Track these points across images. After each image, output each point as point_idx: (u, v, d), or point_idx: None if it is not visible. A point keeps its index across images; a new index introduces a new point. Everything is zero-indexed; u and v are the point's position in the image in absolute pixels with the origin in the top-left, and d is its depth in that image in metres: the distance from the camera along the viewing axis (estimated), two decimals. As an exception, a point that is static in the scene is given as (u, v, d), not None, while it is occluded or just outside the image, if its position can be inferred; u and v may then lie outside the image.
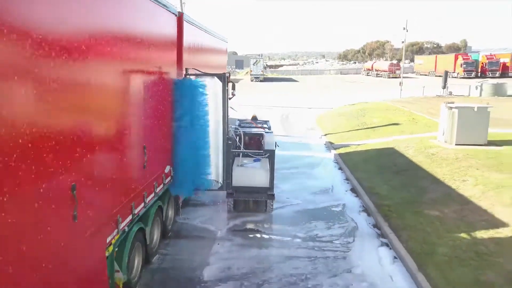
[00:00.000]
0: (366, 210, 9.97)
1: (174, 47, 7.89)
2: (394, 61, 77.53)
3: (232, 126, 9.58)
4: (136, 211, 5.92)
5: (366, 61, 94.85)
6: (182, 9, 28.04)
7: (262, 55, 77.89)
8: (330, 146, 17.13)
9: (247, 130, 10.49)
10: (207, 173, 8.25)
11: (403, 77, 37.60)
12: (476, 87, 33.73)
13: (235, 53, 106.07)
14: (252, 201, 9.91)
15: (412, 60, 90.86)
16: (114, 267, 5.40)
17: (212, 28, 12.14)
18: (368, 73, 76.56)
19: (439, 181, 11.05)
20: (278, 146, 9.79)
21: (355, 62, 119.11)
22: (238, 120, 11.74)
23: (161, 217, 7.59)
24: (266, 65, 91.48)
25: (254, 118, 12.34)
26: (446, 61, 64.28)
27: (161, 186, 7.22)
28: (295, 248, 7.88)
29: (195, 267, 7.05)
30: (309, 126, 22.50)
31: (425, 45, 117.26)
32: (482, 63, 60.64)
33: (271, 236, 8.46)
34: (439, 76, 48.44)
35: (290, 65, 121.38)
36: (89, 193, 4.45)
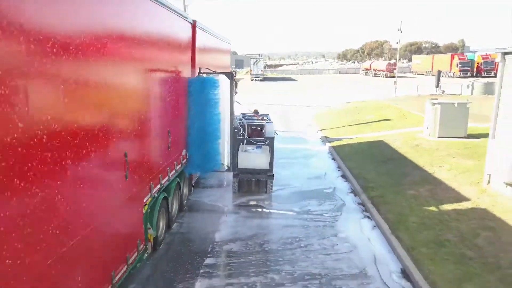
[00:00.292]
0: (353, 191, 11.44)
1: (189, 50, 9.37)
2: (392, 61, 78.83)
3: (237, 117, 11.07)
4: (162, 182, 7.40)
5: (365, 61, 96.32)
6: (185, 9, 29.51)
7: (262, 54, 79.03)
8: (325, 140, 18.59)
9: (250, 121, 12.00)
10: (217, 157, 9.74)
11: (401, 77, 39.17)
12: (468, 86, 35.22)
13: (235, 53, 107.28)
14: (254, 183, 11.39)
15: (410, 60, 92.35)
16: (147, 224, 6.87)
17: (218, 32, 13.60)
18: (366, 72, 78.05)
19: (419, 167, 12.55)
20: (277, 134, 11.28)
21: (354, 62, 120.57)
22: (242, 113, 13.23)
23: (178, 192, 9.08)
24: (266, 64, 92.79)
25: (256, 112, 13.82)
26: (442, 61, 65.78)
27: (180, 165, 8.70)
28: (291, 219, 9.37)
29: (208, 232, 8.54)
30: (306, 122, 23.96)
31: (424, 45, 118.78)
32: (478, 63, 62.08)
33: (271, 210, 9.96)
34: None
35: (289, 64, 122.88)
36: (135, 160, 5.94)
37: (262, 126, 11.83)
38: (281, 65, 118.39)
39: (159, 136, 7.27)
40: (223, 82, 9.95)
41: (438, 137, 15.86)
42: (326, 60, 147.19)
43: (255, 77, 60.86)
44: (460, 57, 64.31)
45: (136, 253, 6.20)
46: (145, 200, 6.54)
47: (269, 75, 74.58)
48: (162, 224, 7.86)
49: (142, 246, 6.45)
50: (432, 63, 69.05)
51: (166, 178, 7.72)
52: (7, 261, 3.19)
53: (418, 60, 79.40)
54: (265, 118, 12.99)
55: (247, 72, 69.30)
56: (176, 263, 7.20)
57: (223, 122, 10.07)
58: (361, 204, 10.44)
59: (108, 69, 5.05)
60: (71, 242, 4.13)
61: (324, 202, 10.54)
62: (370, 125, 21.21)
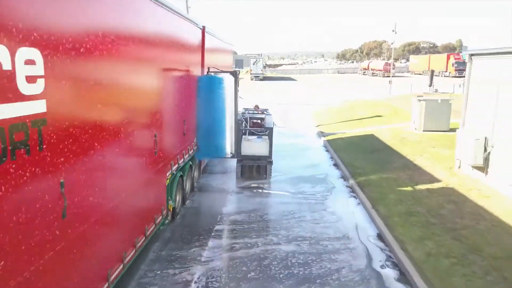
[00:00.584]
0: (343, 177, 12.94)
1: (200, 51, 10.86)
2: (390, 61, 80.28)
3: (240, 111, 12.57)
4: (180, 162, 8.90)
5: (363, 61, 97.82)
6: (187, 11, 30.97)
7: (261, 54, 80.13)
8: (321, 134, 20.10)
9: (251, 114, 13.51)
10: (223, 145, 11.23)
11: (399, 76, 40.70)
12: (460, 85, 36.68)
13: (235, 53, 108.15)
14: (255, 170, 12.88)
15: (408, 60, 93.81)
16: (168, 196, 8.37)
17: (222, 35, 15.11)
18: (364, 72, 79.46)
19: (402, 156, 14.06)
20: (275, 125, 12.77)
21: (352, 62, 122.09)
22: (244, 108, 14.74)
23: (191, 173, 10.58)
24: (266, 64, 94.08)
25: (257, 107, 15.33)
26: (439, 61, 67.19)
27: (192, 150, 10.20)
28: (288, 198, 10.88)
29: (216, 207, 10.05)
30: (304, 119, 25.46)
31: (422, 45, 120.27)
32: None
33: (270, 191, 11.47)
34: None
35: (289, 64, 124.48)
36: (161, 140, 7.44)
37: (262, 119, 13.34)
38: (280, 65, 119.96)
39: (178, 124, 8.77)
40: (228, 80, 11.43)
41: (423, 130, 17.38)
42: (325, 60, 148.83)
43: (255, 76, 62.26)
44: (456, 57, 65.69)
45: (160, 217, 7.70)
46: (167, 174, 8.04)
47: (269, 74, 76.02)
48: (178, 198, 9.36)
49: (165, 211, 7.96)
50: (429, 63, 70.36)
51: (182, 160, 9.21)
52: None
53: (416, 60, 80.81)
54: (265, 112, 14.49)
55: (247, 71, 70.55)
56: (191, 228, 8.72)
57: (228, 114, 11.55)
58: (349, 187, 11.94)
59: (147, 73, 6.62)
60: (116, 201, 5.58)
61: (316, 185, 12.05)
62: (363, 121, 22.72)
